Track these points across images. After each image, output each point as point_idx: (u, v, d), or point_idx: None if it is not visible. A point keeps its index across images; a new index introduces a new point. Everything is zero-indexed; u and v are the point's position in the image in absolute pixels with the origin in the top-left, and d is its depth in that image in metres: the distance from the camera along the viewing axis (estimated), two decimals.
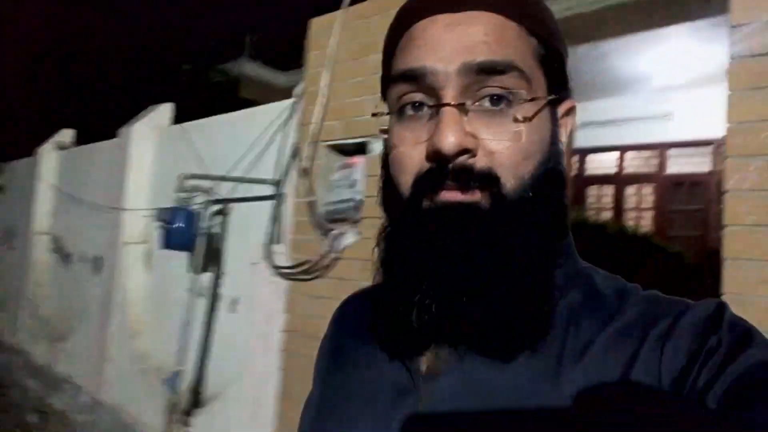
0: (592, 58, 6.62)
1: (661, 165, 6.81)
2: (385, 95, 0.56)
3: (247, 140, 2.97)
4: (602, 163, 7.53)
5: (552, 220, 0.51)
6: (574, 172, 7.03)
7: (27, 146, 5.94)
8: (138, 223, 3.83)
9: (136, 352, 3.58)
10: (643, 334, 0.47)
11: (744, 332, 0.44)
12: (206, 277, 3.10)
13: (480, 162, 0.48)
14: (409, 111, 0.51)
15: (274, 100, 9.21)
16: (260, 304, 2.52)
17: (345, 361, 0.63)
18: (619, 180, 7.38)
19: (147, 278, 3.79)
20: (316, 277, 2.26)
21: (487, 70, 0.48)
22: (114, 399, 3.73)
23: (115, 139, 4.06)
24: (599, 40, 6.25)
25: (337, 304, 1.96)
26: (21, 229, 5.68)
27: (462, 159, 0.47)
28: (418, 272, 0.48)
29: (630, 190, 7.17)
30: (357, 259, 2.18)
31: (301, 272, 2.29)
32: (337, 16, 2.25)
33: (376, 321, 0.56)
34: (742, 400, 0.40)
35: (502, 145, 0.49)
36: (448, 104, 0.48)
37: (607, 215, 7.17)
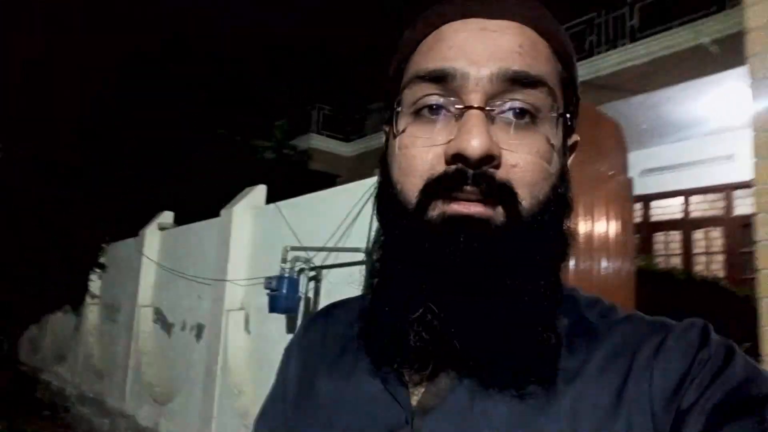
0: (646, 107, 6.88)
1: (728, 207, 6.84)
2: (389, 96, 0.55)
3: (335, 215, 3.40)
4: (668, 209, 7.62)
5: (558, 247, 0.50)
6: (638, 219, 7.11)
7: (126, 228, 6.67)
8: (238, 293, 4.29)
9: (240, 409, 3.95)
10: (631, 358, 0.47)
11: (728, 350, 0.45)
12: None
13: (501, 173, 0.47)
14: (426, 113, 0.49)
15: (340, 168, 9.85)
16: None
17: (319, 378, 0.59)
18: (685, 224, 7.42)
19: (247, 341, 4.20)
20: None
21: (519, 81, 0.47)
22: None
23: (216, 219, 4.61)
24: (653, 89, 6.52)
25: None
26: (124, 303, 6.29)
27: (486, 165, 0.46)
28: (423, 287, 0.46)
29: (698, 235, 7.19)
30: None
31: None
32: None
33: (366, 337, 0.54)
34: (729, 415, 0.41)
35: (525, 160, 0.47)
36: (478, 107, 0.46)
37: (676, 260, 7.17)
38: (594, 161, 3.21)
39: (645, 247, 7.25)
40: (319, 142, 11.02)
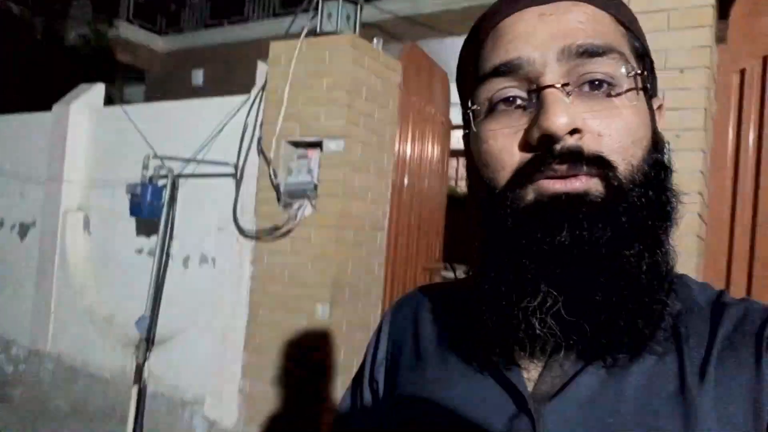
0: (457, 47, 7.80)
1: None
2: (469, 97, 0.54)
3: (195, 127, 3.60)
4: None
5: (664, 212, 0.48)
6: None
7: None
8: (76, 194, 4.25)
9: (83, 306, 4.07)
10: (748, 346, 0.46)
11: None
12: (163, 239, 3.70)
13: (589, 144, 0.46)
14: (502, 106, 0.49)
15: (153, 64, 9.35)
16: (229, 259, 3.26)
17: (422, 362, 0.60)
18: None
19: (87, 242, 4.24)
20: (279, 238, 3.06)
21: (588, 52, 0.47)
22: (56, 348, 4.19)
23: (46, 114, 4.37)
24: (464, 33, 7.44)
25: (296, 258, 3.15)
26: None
27: (572, 140, 0.45)
28: (535, 273, 0.46)
29: None
30: (312, 225, 3.01)
31: (268, 234, 3.08)
32: (296, 44, 3.01)
33: (474, 325, 0.53)
34: None
35: (611, 127, 0.46)
36: (551, 86, 0.46)
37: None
38: (427, 103, 3.88)
39: (448, 169, 8.36)
40: (128, 32, 10.14)
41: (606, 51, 0.47)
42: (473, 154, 0.53)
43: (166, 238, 3.67)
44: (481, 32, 0.54)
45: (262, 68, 3.35)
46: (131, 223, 3.93)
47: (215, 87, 9.61)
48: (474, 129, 0.51)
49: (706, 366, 0.46)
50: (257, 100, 3.30)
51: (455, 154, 8.86)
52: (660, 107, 0.55)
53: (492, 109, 0.50)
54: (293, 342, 3.02)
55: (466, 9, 7.58)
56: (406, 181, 3.62)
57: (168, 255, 3.76)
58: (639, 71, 0.49)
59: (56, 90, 4.62)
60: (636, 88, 0.48)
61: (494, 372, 0.53)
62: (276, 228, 3.06)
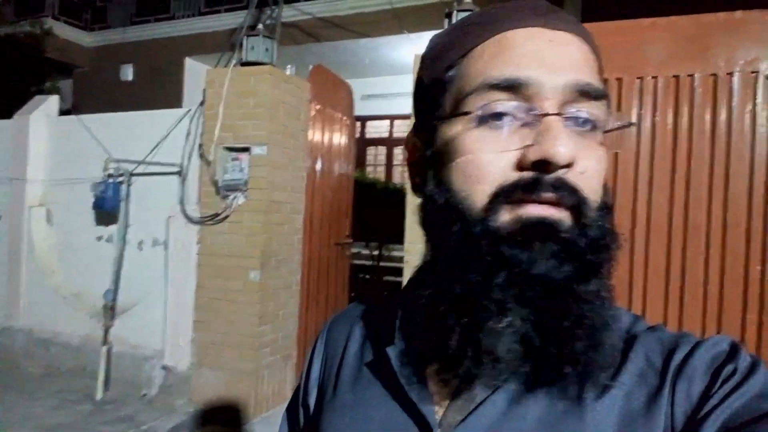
0: (369, 47, 8.77)
1: None
2: (425, 100, 0.55)
3: (144, 134, 4.44)
4: (378, 129, 9.87)
5: (610, 253, 0.50)
6: (357, 136, 9.20)
7: None
8: (37, 191, 4.98)
9: (52, 286, 4.84)
10: (657, 374, 0.48)
11: (752, 365, 0.46)
12: (121, 227, 4.53)
13: (573, 179, 0.47)
14: (492, 120, 0.48)
15: (81, 60, 9.84)
16: (179, 240, 4.16)
17: (341, 384, 0.60)
18: (390, 142, 9.81)
19: (50, 232, 4.99)
20: (219, 222, 3.99)
21: (588, 93, 0.48)
22: (27, 324, 4.95)
23: (7, 121, 5.07)
24: (375, 35, 8.38)
25: (232, 237, 4.47)
26: None
27: (562, 171, 0.46)
28: (502, 294, 0.45)
29: (398, 150, 9.65)
30: (245, 211, 3.95)
31: (210, 220, 4.00)
32: (228, 71, 3.93)
33: (399, 345, 0.54)
34: (741, 426, 0.41)
35: (591, 168, 0.48)
36: (558, 114, 0.47)
37: (381, 170, 9.59)
38: (333, 110, 4.87)
39: (360, 159, 9.40)
40: (55, 28, 10.46)
41: (601, 96, 0.49)
42: (443, 159, 0.51)
43: (124, 226, 4.50)
44: (479, 33, 0.51)
45: (190, 66, 4.26)
46: (91, 215, 4.73)
47: (144, 82, 10.14)
48: (457, 135, 0.50)
49: (609, 388, 0.48)
50: (197, 114, 4.19)
51: (370, 143, 9.91)
52: None
53: (484, 119, 0.48)
54: (232, 299, 3.98)
55: (377, 12, 8.54)
56: (317, 174, 4.60)
57: (125, 240, 4.59)
58: (612, 120, 0.51)
59: None
60: (606, 134, 0.51)
61: (404, 399, 0.53)
62: (216, 215, 3.99)
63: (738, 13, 2.70)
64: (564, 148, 0.45)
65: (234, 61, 3.99)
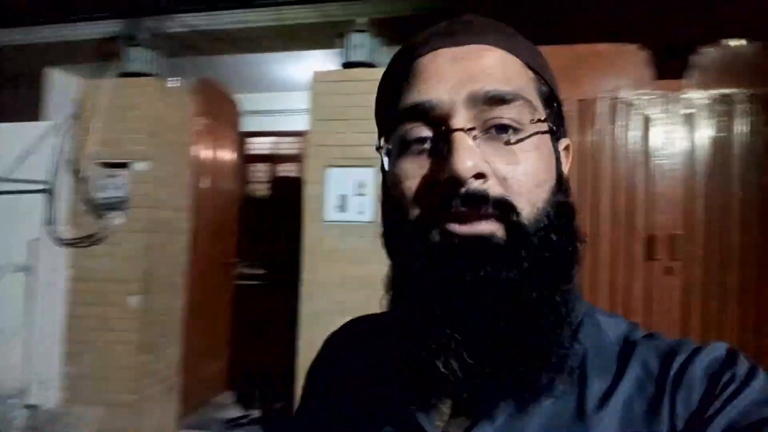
0: (255, 63, 8.60)
1: (306, 148, 9.21)
2: (384, 133, 0.55)
3: (7, 150, 4.00)
4: (261, 145, 9.67)
5: (567, 254, 0.50)
6: (242, 152, 8.97)
7: None
8: None
9: None
10: (655, 383, 0.47)
11: (751, 371, 0.45)
12: None
13: (494, 188, 0.47)
14: (414, 146, 0.50)
15: None
16: (46, 264, 3.78)
17: (342, 400, 0.60)
18: (274, 158, 9.64)
19: None
20: (94, 244, 3.69)
21: (494, 99, 0.48)
22: None
23: None
24: (263, 51, 8.24)
25: (110, 260, 4.20)
26: None
27: (477, 183, 0.46)
28: (439, 315, 0.46)
29: (282, 167, 9.51)
30: (124, 231, 3.69)
31: (83, 242, 3.68)
32: (106, 83, 3.67)
33: (392, 363, 0.53)
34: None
35: (515, 171, 0.48)
36: (459, 129, 0.47)
37: (262, 187, 9.42)
38: (218, 125, 4.73)
39: (242, 175, 9.14)
40: None
41: (512, 98, 0.49)
42: (387, 186, 0.54)
43: None
44: (397, 68, 0.55)
45: (52, 76, 3.96)
46: None
47: None
48: (387, 167, 0.52)
49: (608, 398, 0.47)
50: (68, 127, 3.86)
51: (255, 159, 9.69)
52: (567, 148, 0.57)
53: (405, 147, 0.51)
54: (109, 328, 3.67)
55: (263, 28, 8.39)
56: (203, 191, 4.42)
57: None
58: (543, 117, 0.51)
59: None
60: (540, 132, 0.50)
61: (403, 415, 0.52)
62: (91, 236, 3.68)
63: (604, 45, 3.02)
64: (464, 162, 0.46)
65: (113, 73, 3.73)
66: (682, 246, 2.91)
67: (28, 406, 3.85)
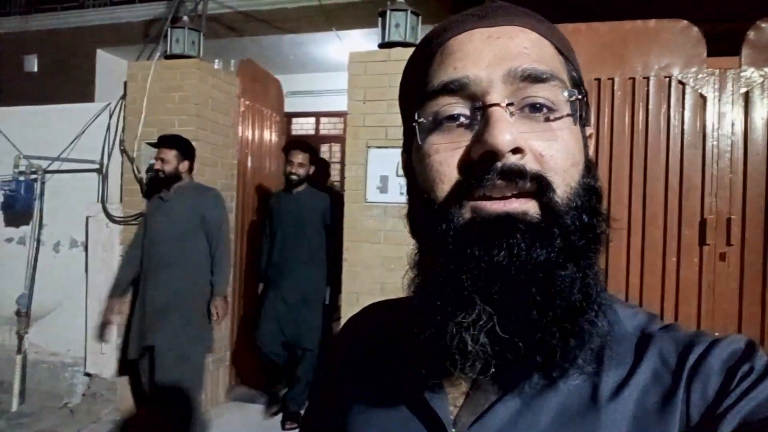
0: (295, 43, 8.64)
1: (345, 128, 9.26)
2: (405, 115, 0.57)
3: (60, 129, 4.16)
4: (304, 126, 9.77)
5: (595, 237, 0.50)
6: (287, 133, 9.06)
7: None
8: None
9: None
10: (672, 374, 0.47)
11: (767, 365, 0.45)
12: (35, 228, 4.23)
13: (531, 164, 0.47)
14: (446, 122, 0.50)
15: None
16: (100, 241, 3.94)
17: (358, 383, 0.61)
18: (316, 139, 9.72)
19: None
20: None
21: (531, 78, 0.49)
22: None
23: None
24: (301, 32, 8.27)
25: None
26: None
27: (514, 158, 0.46)
28: (470, 291, 0.46)
29: (324, 148, 9.59)
30: None
31: (134, 219, 3.82)
32: (153, 64, 3.76)
33: (408, 344, 0.52)
34: (754, 427, 0.40)
35: (552, 149, 0.48)
36: (496, 104, 0.47)
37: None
38: (263, 105, 4.78)
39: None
40: None
41: (549, 77, 0.49)
42: (415, 166, 0.54)
43: (38, 227, 4.21)
44: (428, 49, 0.55)
45: (102, 58, 4.06)
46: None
47: (51, 74, 9.47)
48: (419, 142, 0.52)
49: (623, 388, 0.47)
50: (118, 108, 3.98)
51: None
52: (590, 135, 0.57)
53: (437, 124, 0.50)
54: None
55: (303, 8, 8.39)
56: (248, 171, 4.50)
57: (39, 242, 4.30)
58: (576, 98, 0.51)
59: None
60: (573, 114, 0.50)
61: (415, 399, 0.53)
62: (141, 214, 3.81)
63: (652, 22, 2.90)
64: (503, 134, 0.45)
65: (158, 54, 3.82)
66: (737, 231, 2.80)
67: (87, 375, 4.06)
